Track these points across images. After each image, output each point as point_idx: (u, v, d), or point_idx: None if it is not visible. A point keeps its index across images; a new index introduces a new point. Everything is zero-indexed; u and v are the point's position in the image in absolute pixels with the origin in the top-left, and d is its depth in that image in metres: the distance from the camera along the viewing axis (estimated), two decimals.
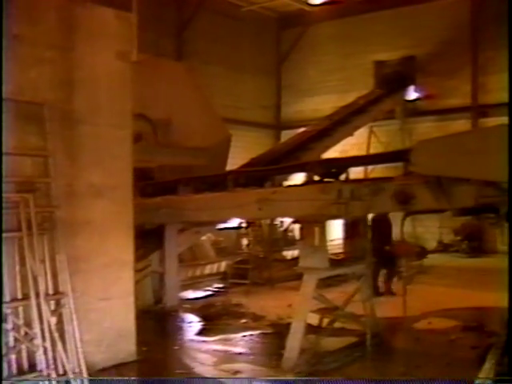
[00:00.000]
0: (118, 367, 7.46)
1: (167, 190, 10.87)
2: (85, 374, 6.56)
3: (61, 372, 6.32)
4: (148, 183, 11.28)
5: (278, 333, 9.36)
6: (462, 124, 20.12)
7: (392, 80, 21.15)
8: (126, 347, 7.80)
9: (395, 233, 13.67)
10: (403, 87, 21.11)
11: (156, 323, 10.39)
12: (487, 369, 5.46)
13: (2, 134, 6.12)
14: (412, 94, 21.36)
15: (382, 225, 12.18)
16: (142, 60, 12.70)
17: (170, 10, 21.56)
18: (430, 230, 20.36)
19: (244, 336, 9.55)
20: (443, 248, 20.48)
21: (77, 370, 6.48)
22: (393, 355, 8.52)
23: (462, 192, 6.83)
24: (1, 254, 6.17)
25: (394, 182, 7.29)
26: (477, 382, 5.22)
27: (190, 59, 21.06)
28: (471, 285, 13.41)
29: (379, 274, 12.53)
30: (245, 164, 13.06)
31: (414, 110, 21.43)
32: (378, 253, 11.73)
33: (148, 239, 11.19)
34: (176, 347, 9.00)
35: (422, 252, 16.69)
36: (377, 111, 19.27)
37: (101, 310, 7.50)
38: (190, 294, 12.95)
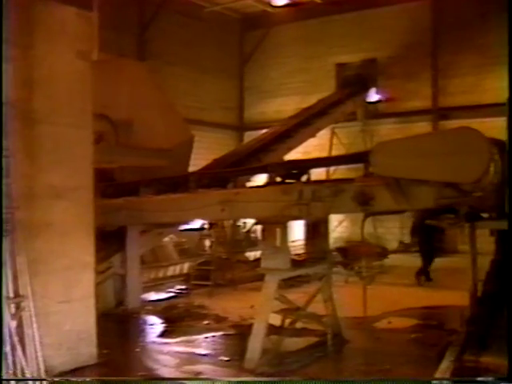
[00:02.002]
0: (79, 371, 7.38)
1: (128, 191, 10.79)
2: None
3: (19, 377, 6.23)
4: (109, 184, 11.17)
5: (240, 334, 9.36)
6: (422, 126, 20.40)
7: (353, 82, 21.36)
8: (87, 350, 7.72)
9: (357, 233, 13.86)
10: (364, 89, 21.32)
11: (117, 325, 10.29)
12: (445, 366, 5.55)
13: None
14: (373, 96, 21.59)
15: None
16: (103, 60, 12.65)
17: (131, 10, 21.34)
18: (391, 230, 20.59)
19: (206, 337, 9.54)
20: (404, 248, 20.67)
21: (35, 375, 6.40)
22: (354, 354, 8.62)
23: (421, 193, 6.94)
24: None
25: (354, 184, 7.37)
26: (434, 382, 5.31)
27: (152, 59, 20.90)
28: (432, 284, 13.65)
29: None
30: (207, 165, 13.05)
31: (375, 112, 21.65)
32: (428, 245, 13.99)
33: (109, 241, 11.10)
34: (138, 349, 8.93)
35: (383, 252, 16.89)
36: (338, 113, 19.42)
37: (61, 312, 7.40)
38: (153, 295, 12.86)
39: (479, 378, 4.87)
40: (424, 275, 14.09)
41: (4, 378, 6.11)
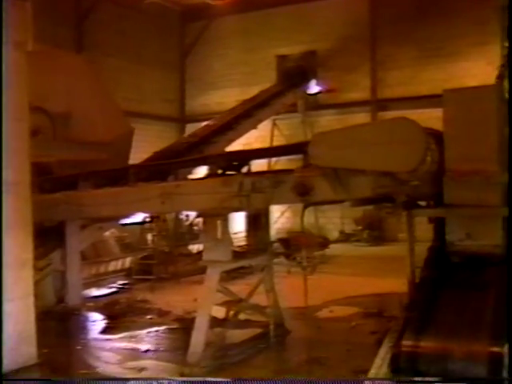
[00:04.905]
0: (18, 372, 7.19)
1: (67, 185, 10.58)
2: None
3: None
4: (46, 178, 10.91)
5: (184, 328, 9.33)
6: (362, 117, 20.74)
7: (294, 74, 21.50)
8: (27, 350, 7.49)
9: (299, 224, 14.00)
10: (305, 81, 21.48)
11: (58, 323, 10.10)
12: (384, 352, 5.65)
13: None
14: (313, 87, 21.76)
15: None
16: (39, 51, 12.29)
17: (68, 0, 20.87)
18: (332, 220, 20.90)
19: (149, 332, 9.47)
20: (345, 238, 21.05)
21: None
22: (296, 344, 8.71)
23: (359, 183, 7.03)
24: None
25: (293, 175, 7.42)
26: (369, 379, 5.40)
27: (90, 51, 20.52)
28: (372, 272, 13.89)
29: None
30: (148, 158, 12.90)
31: (315, 104, 21.86)
32: None
33: (48, 237, 10.87)
34: (79, 347, 8.80)
35: (325, 242, 17.13)
36: (279, 104, 19.51)
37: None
38: (94, 291, 12.68)
39: (417, 378, 4.99)
40: None
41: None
